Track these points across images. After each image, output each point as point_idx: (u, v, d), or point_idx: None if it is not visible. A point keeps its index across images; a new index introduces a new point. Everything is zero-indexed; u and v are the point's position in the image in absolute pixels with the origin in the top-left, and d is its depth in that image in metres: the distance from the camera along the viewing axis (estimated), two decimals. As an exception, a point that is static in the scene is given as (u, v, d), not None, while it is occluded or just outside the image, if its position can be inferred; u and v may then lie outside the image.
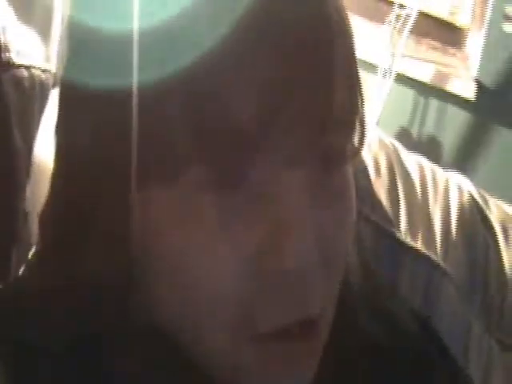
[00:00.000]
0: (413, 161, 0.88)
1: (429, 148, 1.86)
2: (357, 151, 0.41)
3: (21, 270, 0.47)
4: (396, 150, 0.87)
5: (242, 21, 0.34)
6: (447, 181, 0.89)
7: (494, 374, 0.81)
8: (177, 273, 0.38)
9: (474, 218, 0.86)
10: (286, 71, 0.36)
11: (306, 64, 0.36)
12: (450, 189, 0.87)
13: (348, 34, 0.39)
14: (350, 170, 0.41)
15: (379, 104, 1.84)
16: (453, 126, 1.89)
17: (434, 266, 0.78)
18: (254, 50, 0.35)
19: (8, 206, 0.81)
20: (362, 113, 0.40)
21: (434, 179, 0.88)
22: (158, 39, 0.35)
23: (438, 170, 0.91)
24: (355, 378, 0.46)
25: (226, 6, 0.35)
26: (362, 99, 0.40)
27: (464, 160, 1.85)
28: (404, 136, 1.92)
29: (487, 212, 0.87)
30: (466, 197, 0.87)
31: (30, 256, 0.45)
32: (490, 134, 1.83)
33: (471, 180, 0.94)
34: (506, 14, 1.76)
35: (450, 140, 1.90)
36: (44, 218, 0.43)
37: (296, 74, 0.36)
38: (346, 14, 0.39)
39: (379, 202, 0.77)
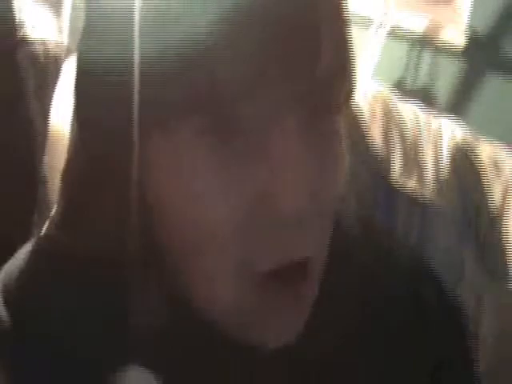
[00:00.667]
0: (407, 108, 0.92)
1: (423, 96, 1.89)
2: (346, 103, 0.43)
3: (43, 230, 0.49)
4: (391, 99, 0.91)
5: None
6: (440, 125, 0.92)
7: (485, 302, 0.86)
8: (180, 217, 0.40)
9: (466, 157, 0.89)
10: (273, 32, 0.37)
11: (292, 24, 0.38)
12: (442, 132, 0.91)
13: None
14: (340, 119, 0.43)
15: (374, 56, 1.87)
16: (445, 74, 1.92)
17: (427, 204, 0.82)
18: (243, 10, 0.37)
19: (28, 171, 0.86)
20: (352, 69, 0.42)
21: (428, 124, 0.91)
22: (158, 17, 0.37)
23: (432, 115, 0.95)
24: (352, 313, 0.47)
25: None
26: (351, 56, 0.41)
27: (457, 105, 1.88)
28: (399, 86, 1.95)
29: (478, 151, 0.90)
30: (457, 138, 0.91)
31: (50, 215, 0.47)
32: (481, 81, 1.86)
33: (463, 125, 0.98)
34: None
35: (443, 88, 1.93)
36: (63, 180, 0.46)
37: (283, 35, 0.37)
38: None
39: (375, 146, 0.81)
